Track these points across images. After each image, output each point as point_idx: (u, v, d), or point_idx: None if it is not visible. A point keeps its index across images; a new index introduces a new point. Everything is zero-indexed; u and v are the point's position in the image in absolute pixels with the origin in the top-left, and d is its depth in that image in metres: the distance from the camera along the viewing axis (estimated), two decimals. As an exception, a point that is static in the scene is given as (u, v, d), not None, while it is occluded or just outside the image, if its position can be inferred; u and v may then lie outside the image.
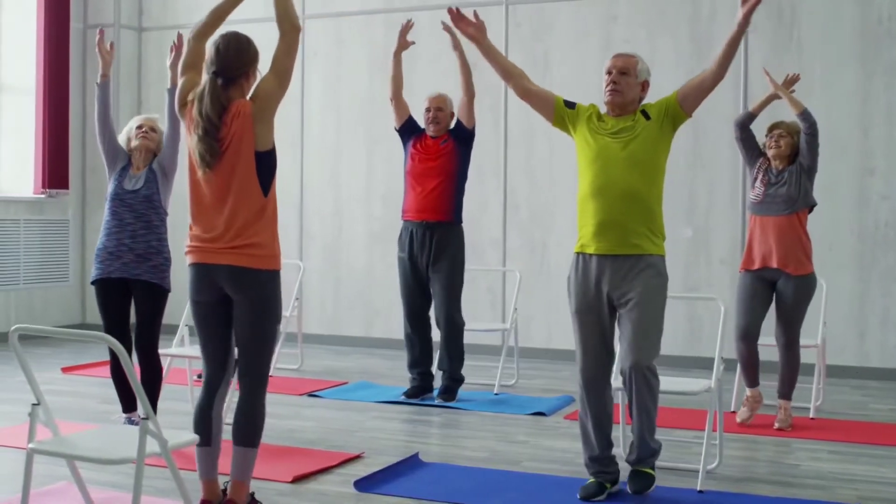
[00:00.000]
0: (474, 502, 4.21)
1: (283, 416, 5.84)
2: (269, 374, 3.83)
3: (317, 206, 9.09)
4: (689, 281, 7.76)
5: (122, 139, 5.22)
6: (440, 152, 6.28)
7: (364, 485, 4.39)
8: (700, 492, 4.37)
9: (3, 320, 8.63)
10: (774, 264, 5.63)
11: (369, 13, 8.87)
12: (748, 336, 5.72)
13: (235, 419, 3.74)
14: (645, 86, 4.38)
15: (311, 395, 6.57)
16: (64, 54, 9.06)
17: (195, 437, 3.47)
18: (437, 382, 6.47)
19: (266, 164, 3.65)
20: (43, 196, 8.98)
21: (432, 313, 6.43)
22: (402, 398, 6.35)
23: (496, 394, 6.59)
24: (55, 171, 8.95)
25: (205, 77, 3.66)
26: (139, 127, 5.17)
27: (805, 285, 5.64)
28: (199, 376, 4.12)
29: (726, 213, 7.76)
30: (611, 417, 4.40)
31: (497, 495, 4.31)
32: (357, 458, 4.91)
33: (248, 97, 3.69)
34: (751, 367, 5.76)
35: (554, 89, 4.57)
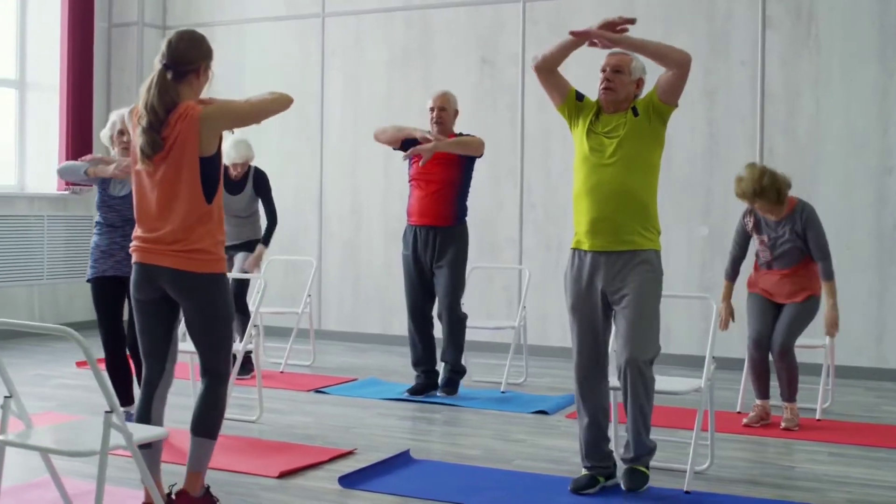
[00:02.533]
0: (457, 499, 4.20)
1: (283, 412, 5.86)
2: (230, 371, 3.80)
3: (335, 204, 9.11)
4: (704, 280, 7.67)
5: (104, 136, 5.25)
6: (442, 157, 6.27)
7: (349, 481, 4.39)
8: (687, 492, 4.33)
9: (27, 315, 8.74)
10: (783, 301, 5.66)
11: (388, 11, 8.88)
12: (761, 342, 5.65)
13: (196, 409, 3.71)
14: (640, 84, 4.40)
15: (317, 391, 6.58)
16: (88, 53, 9.15)
17: (163, 432, 3.49)
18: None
19: (209, 170, 3.59)
20: (66, 193, 9.10)
21: (435, 311, 6.43)
22: (407, 395, 6.36)
23: (502, 392, 6.56)
24: (79, 169, 9.06)
25: (155, 69, 3.60)
26: (121, 133, 5.09)
27: (811, 304, 5.65)
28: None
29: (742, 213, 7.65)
30: (607, 413, 4.41)
31: (481, 493, 4.29)
32: (349, 454, 4.92)
33: (199, 97, 3.66)
34: (761, 377, 5.68)
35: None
